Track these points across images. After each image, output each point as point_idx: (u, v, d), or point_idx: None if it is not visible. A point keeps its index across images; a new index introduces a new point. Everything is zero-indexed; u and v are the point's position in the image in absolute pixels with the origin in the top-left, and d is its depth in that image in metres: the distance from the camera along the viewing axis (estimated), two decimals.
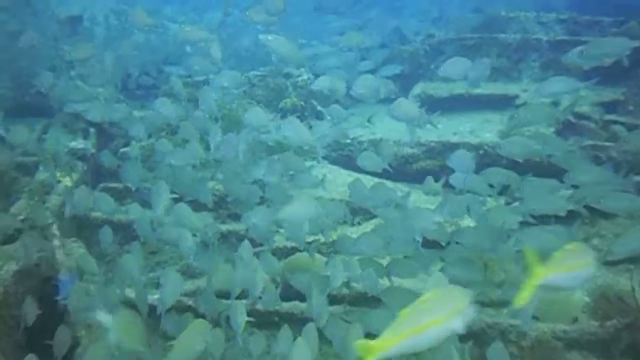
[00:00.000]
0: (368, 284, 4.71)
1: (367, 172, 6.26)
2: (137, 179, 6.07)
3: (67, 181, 6.68)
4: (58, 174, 6.69)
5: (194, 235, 5.09)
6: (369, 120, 6.41)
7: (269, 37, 5.94)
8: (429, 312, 2.97)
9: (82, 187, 5.82)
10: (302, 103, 8.38)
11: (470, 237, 4.74)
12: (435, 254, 4.98)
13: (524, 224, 5.04)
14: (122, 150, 7.58)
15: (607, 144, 7.24)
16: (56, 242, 5.41)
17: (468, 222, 5.60)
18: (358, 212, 6.65)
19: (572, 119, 7.30)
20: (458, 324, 2.98)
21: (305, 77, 8.84)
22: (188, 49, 6.90)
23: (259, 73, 8.80)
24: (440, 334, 2.97)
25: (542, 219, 5.16)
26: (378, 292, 4.66)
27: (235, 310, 4.48)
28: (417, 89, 9.77)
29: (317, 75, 8.22)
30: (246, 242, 4.81)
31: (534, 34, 10.46)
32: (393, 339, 2.94)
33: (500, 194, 5.75)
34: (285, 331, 4.40)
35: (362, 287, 5.05)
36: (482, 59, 5.70)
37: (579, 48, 5.39)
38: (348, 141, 7.96)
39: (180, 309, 5.13)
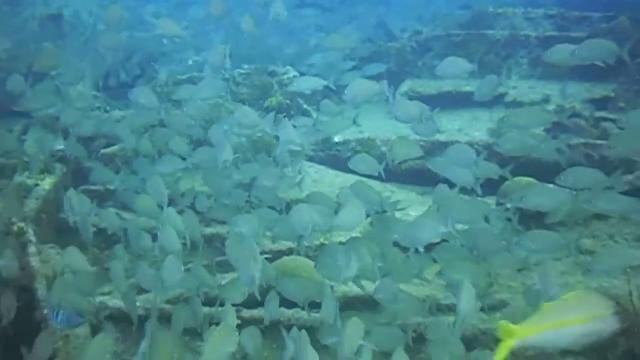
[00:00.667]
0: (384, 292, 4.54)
1: (357, 173, 6.10)
2: (119, 180, 5.96)
3: (45, 184, 6.48)
4: (36, 177, 6.50)
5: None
6: (354, 121, 6.26)
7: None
8: (571, 310, 2.98)
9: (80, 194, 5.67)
10: (288, 101, 8.21)
11: (467, 239, 4.62)
12: (427, 257, 4.84)
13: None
14: (102, 151, 7.39)
15: (599, 142, 7.14)
16: (32, 249, 5.20)
17: None
18: None
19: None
20: (598, 329, 2.96)
21: (290, 74, 8.68)
22: (165, 41, 6.80)
23: (243, 71, 8.63)
24: (580, 335, 2.97)
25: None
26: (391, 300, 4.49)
27: (227, 315, 4.31)
28: (405, 86, 9.67)
29: (302, 73, 8.15)
30: (252, 241, 4.62)
31: (522, 30, 10.36)
32: (535, 328, 2.96)
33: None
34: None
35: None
36: (490, 76, 5.63)
37: (560, 46, 5.28)
38: (336, 141, 7.85)
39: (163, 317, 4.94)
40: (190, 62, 7.25)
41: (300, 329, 4.10)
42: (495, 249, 4.62)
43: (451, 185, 5.26)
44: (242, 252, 4.36)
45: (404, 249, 4.78)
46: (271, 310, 4.61)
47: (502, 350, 3.06)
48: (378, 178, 6.02)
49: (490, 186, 5.63)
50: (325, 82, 6.75)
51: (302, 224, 4.73)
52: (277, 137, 6.25)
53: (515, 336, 3.00)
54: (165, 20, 6.70)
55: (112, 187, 6.42)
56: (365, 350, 4.04)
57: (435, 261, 4.94)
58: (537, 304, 4.13)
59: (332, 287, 4.62)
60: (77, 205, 5.39)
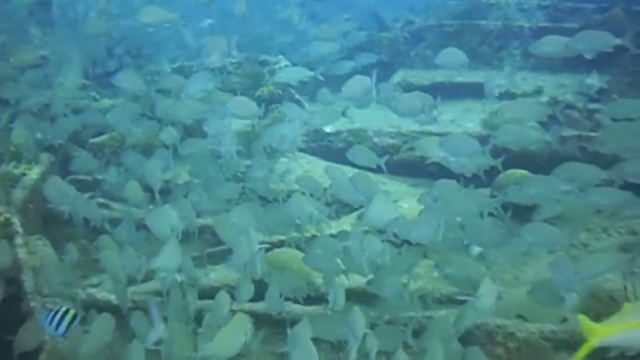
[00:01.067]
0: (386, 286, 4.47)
1: (350, 164, 6.02)
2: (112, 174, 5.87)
3: (33, 173, 6.36)
4: (23, 166, 6.39)
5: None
6: (344, 113, 6.19)
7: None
8: None
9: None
10: (280, 91, 8.12)
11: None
12: (419, 251, 4.77)
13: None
14: (91, 140, 7.28)
15: (592, 134, 7.10)
16: (19, 240, 5.10)
17: None
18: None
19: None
20: None
21: (282, 64, 8.59)
22: (151, 30, 6.68)
23: (234, 60, 8.51)
24: None
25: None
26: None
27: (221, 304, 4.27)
28: (397, 76, 9.64)
29: (294, 63, 8.07)
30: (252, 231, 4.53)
31: (516, 21, 10.31)
32: (617, 327, 2.97)
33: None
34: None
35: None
36: (494, 72, 5.56)
37: (548, 38, 5.21)
38: (327, 131, 7.78)
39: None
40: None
41: (291, 323, 4.07)
42: (492, 242, 4.56)
43: (449, 176, 5.17)
44: (240, 238, 4.32)
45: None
46: (272, 305, 4.55)
47: (584, 349, 3.10)
48: (371, 169, 5.96)
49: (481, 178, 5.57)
50: (311, 73, 6.65)
51: (299, 215, 4.68)
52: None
53: (597, 334, 2.97)
54: (149, 8, 6.51)
55: (98, 177, 6.34)
56: (370, 340, 3.99)
57: (426, 257, 4.91)
58: (549, 299, 4.11)
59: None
60: (70, 195, 5.31)
